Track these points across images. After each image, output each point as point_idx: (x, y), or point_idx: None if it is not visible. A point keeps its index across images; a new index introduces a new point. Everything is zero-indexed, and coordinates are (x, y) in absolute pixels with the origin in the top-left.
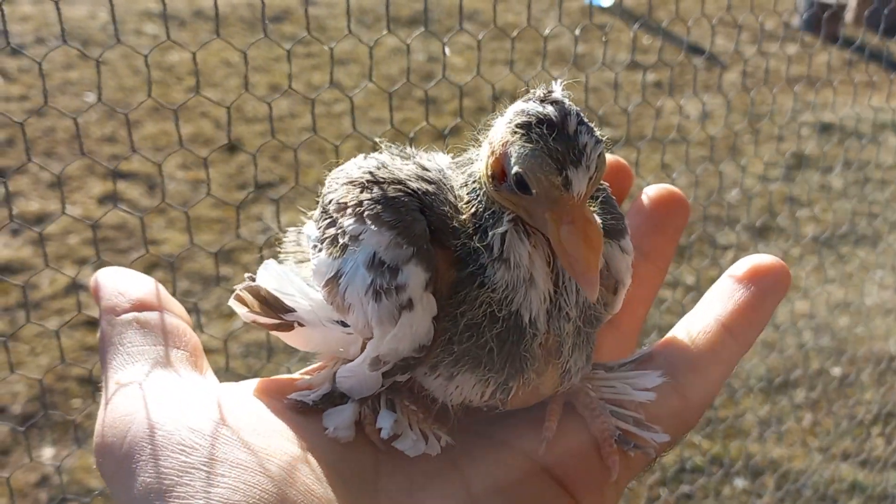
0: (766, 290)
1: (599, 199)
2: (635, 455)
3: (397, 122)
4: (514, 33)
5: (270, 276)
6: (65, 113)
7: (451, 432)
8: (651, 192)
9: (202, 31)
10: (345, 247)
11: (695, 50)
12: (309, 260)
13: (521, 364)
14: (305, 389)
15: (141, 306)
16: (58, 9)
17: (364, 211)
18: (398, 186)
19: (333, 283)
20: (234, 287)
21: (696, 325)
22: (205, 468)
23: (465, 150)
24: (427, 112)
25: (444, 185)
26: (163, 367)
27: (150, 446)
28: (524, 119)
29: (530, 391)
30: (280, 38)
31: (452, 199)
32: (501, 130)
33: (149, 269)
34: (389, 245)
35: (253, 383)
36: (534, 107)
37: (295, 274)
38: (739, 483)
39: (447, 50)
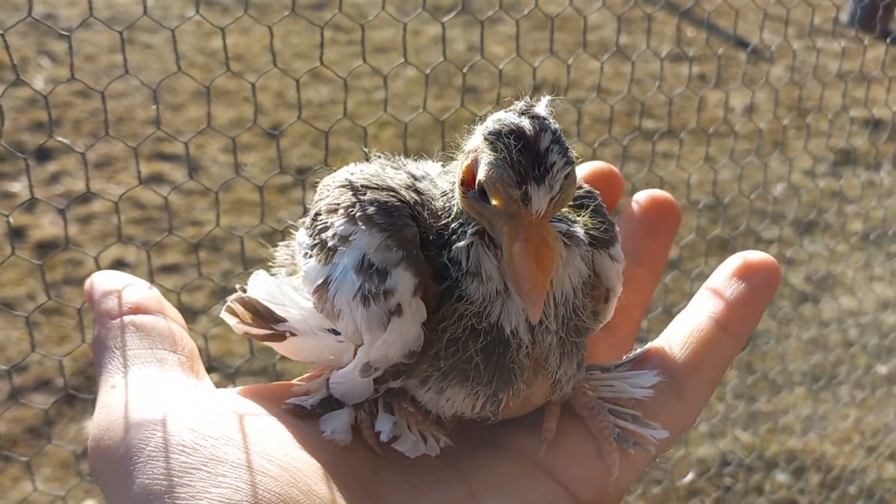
0: (758, 286)
1: (590, 208)
2: (636, 453)
3: (437, 111)
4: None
5: (261, 287)
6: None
7: (449, 435)
8: (641, 198)
9: (245, 17)
10: (334, 250)
11: (740, 43)
12: (299, 270)
13: (509, 376)
14: (303, 395)
15: (137, 310)
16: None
17: (356, 212)
18: (391, 192)
19: (323, 289)
20: (227, 298)
21: (690, 324)
22: (206, 469)
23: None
24: (463, 99)
25: (428, 194)
26: (160, 370)
27: (148, 447)
28: (496, 127)
29: (521, 402)
30: (321, 25)
31: (433, 209)
32: (476, 137)
33: (191, 249)
34: (379, 247)
35: (250, 388)
36: (509, 117)
37: (286, 284)
38: (781, 476)
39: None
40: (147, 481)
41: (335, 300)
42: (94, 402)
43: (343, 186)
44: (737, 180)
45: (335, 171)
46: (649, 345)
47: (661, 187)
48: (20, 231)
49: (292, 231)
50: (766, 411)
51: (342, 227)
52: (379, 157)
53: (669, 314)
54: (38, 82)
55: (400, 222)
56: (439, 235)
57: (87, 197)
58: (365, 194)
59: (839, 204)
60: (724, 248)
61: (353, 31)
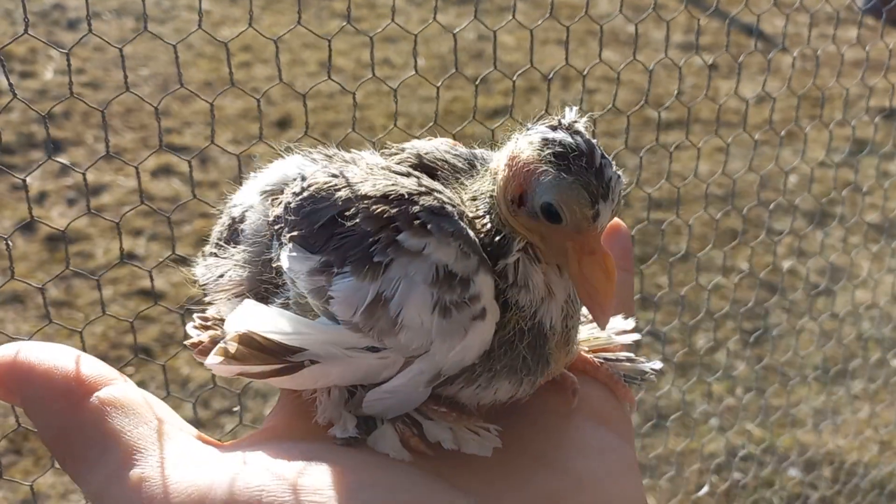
0: (625, 239)
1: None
2: (641, 385)
3: (447, 102)
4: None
5: (261, 318)
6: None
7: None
8: None
9: (254, 6)
10: (387, 262)
11: (754, 32)
12: (269, 283)
13: (548, 361)
14: (329, 427)
15: (97, 384)
16: None
17: (423, 223)
18: (439, 196)
19: (376, 306)
20: (193, 341)
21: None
22: None
23: (395, 151)
24: (476, 92)
25: (445, 194)
26: (174, 445)
27: None
28: (559, 149)
29: (547, 378)
30: (330, 16)
31: (466, 213)
32: (527, 154)
33: (201, 241)
34: (458, 257)
35: (257, 438)
36: (564, 137)
37: (283, 310)
38: (793, 472)
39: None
40: None
41: (400, 316)
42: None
43: (382, 197)
44: (749, 170)
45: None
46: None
47: (671, 178)
48: (30, 223)
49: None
50: (778, 404)
51: (410, 242)
52: (305, 151)
53: (679, 305)
54: (48, 74)
55: (461, 226)
56: (483, 240)
57: (96, 189)
58: (416, 203)
59: (853, 194)
60: (735, 239)
61: (363, 20)
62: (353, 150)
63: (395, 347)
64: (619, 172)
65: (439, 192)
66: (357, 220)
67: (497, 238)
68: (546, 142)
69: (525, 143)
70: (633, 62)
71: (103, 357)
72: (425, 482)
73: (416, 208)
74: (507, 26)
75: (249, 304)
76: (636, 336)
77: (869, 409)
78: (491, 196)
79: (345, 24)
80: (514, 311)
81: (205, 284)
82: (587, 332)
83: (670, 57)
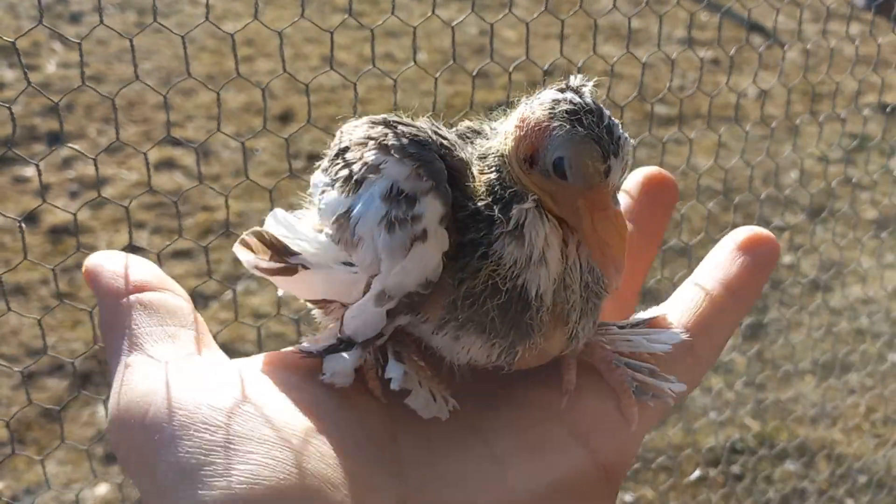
0: (762, 259)
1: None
2: (654, 405)
3: (448, 96)
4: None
5: (277, 222)
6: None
7: (457, 395)
8: (640, 174)
9: (256, 1)
10: (361, 181)
11: (754, 27)
12: (313, 208)
13: (527, 331)
14: (311, 342)
15: (142, 288)
16: None
17: (389, 143)
18: (422, 129)
19: (344, 218)
20: (242, 233)
21: (698, 288)
22: (231, 446)
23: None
24: (473, 86)
25: (458, 144)
26: (173, 346)
27: (171, 426)
28: (570, 107)
29: (538, 353)
30: (332, 10)
31: (467, 160)
32: (538, 114)
33: (204, 234)
34: (410, 175)
35: (260, 358)
36: (574, 97)
37: (300, 219)
38: (791, 466)
39: (418, 56)
40: (172, 460)
41: (356, 227)
42: (107, 385)
43: (374, 123)
44: (748, 167)
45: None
46: (659, 308)
47: (673, 173)
48: (33, 216)
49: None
50: (776, 400)
51: (373, 157)
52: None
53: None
54: (51, 67)
55: (430, 156)
56: (478, 190)
57: (99, 182)
58: (397, 128)
59: (852, 191)
60: None
61: (365, 15)
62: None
63: (357, 262)
64: (627, 135)
65: (443, 138)
66: (355, 141)
67: (508, 191)
68: (556, 102)
69: (536, 105)
70: (631, 57)
71: (103, 349)
72: (344, 438)
73: (389, 132)
74: (509, 21)
75: (278, 211)
76: (667, 347)
77: (867, 404)
78: (502, 155)
79: (346, 16)
80: (492, 263)
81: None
82: (621, 333)
83: (664, 51)
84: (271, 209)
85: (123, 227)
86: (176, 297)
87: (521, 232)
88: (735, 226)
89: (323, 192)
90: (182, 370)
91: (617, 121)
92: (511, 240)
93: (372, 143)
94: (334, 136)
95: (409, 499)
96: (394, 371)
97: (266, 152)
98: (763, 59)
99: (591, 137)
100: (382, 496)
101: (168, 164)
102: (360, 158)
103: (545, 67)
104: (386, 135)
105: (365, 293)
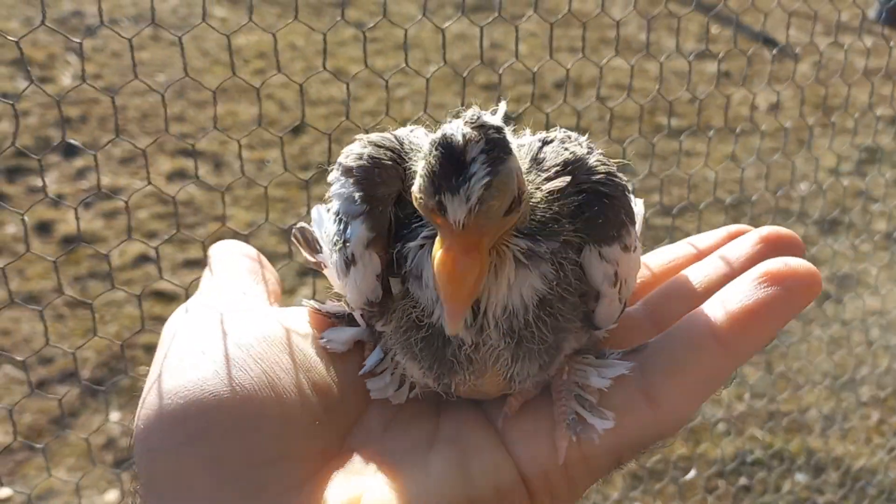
0: (789, 296)
1: (596, 204)
2: (592, 446)
3: (459, 108)
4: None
5: (313, 219)
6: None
7: (433, 397)
8: (765, 231)
9: (269, 14)
10: (332, 194)
11: (766, 40)
12: None
13: (451, 367)
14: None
15: (251, 257)
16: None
17: (344, 162)
18: (390, 151)
19: (319, 230)
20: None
21: (688, 327)
22: (189, 358)
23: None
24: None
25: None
26: (239, 282)
27: (166, 336)
28: (434, 137)
29: (472, 390)
30: (344, 24)
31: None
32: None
33: (215, 243)
34: (347, 198)
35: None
36: (450, 127)
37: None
38: (801, 478)
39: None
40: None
41: (323, 242)
42: (117, 393)
43: (358, 139)
44: (761, 178)
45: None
46: (654, 338)
47: (686, 185)
48: (46, 226)
49: None
50: (786, 410)
51: (334, 175)
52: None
53: None
54: (66, 79)
55: (377, 179)
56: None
57: (111, 192)
58: (366, 148)
59: (864, 202)
60: None
61: (376, 28)
62: None
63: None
64: (498, 171)
65: (397, 151)
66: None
67: (415, 222)
68: (438, 132)
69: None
70: (642, 69)
71: (117, 357)
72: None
73: (350, 150)
74: (520, 34)
75: (319, 206)
76: (606, 382)
77: (877, 415)
78: None
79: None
80: (409, 300)
81: None
82: (584, 363)
83: (676, 63)
84: (292, 221)
85: (136, 235)
86: (271, 272)
87: (416, 272)
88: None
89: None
90: (213, 307)
91: (487, 155)
92: (414, 279)
93: (342, 157)
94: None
95: (336, 452)
96: (371, 358)
97: (276, 164)
98: (775, 71)
99: (422, 173)
100: (319, 432)
101: (180, 175)
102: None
103: (570, 82)
104: (348, 155)
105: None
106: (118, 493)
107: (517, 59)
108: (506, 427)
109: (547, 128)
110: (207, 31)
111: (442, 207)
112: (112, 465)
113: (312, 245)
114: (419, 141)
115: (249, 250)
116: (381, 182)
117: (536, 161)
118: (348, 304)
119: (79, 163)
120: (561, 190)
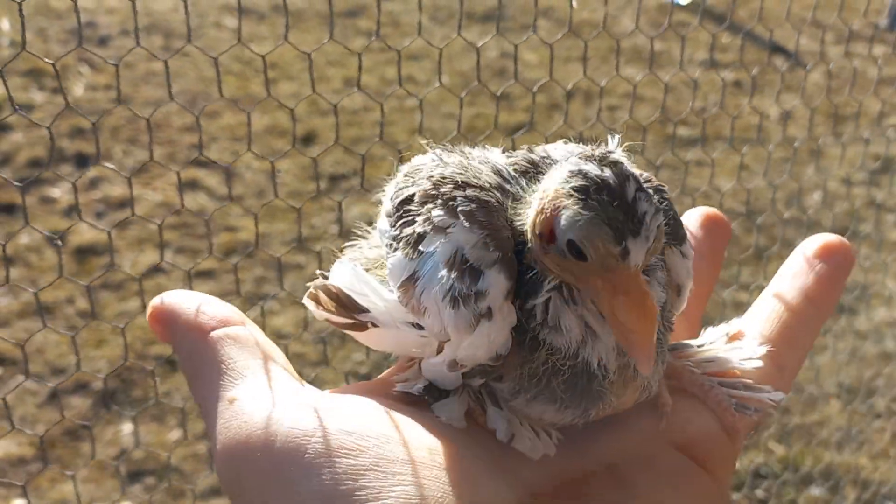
0: (837, 266)
1: (662, 208)
2: (758, 417)
3: (469, 118)
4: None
5: (344, 275)
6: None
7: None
8: (698, 213)
9: (280, 24)
10: (422, 238)
11: (777, 49)
12: (383, 257)
13: (597, 397)
14: (402, 382)
15: (226, 323)
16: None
17: (458, 206)
18: (492, 193)
19: (409, 284)
20: (308, 284)
21: (777, 300)
22: (378, 469)
23: (527, 148)
24: (498, 109)
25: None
26: (274, 378)
27: (307, 454)
28: (581, 182)
29: (612, 409)
30: (354, 34)
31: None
32: (555, 188)
33: (227, 254)
34: (477, 244)
35: (356, 387)
36: (592, 169)
37: (369, 273)
38: (816, 491)
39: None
40: (316, 488)
41: (422, 297)
42: (130, 404)
43: (441, 179)
44: (772, 189)
45: (414, 158)
46: (738, 321)
47: (694, 195)
48: (60, 235)
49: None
50: (801, 424)
51: (439, 218)
52: (437, 148)
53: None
54: (78, 90)
55: (499, 223)
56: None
57: (124, 202)
58: (465, 189)
59: (876, 213)
60: (759, 258)
61: (387, 38)
62: (487, 147)
63: (426, 328)
64: (659, 207)
65: (491, 191)
66: (417, 196)
67: (529, 275)
68: (572, 174)
69: (555, 177)
70: (653, 79)
71: (127, 368)
72: (475, 458)
73: (459, 193)
74: (530, 44)
75: (344, 261)
76: (758, 363)
77: (893, 430)
78: (528, 228)
79: (372, 39)
80: (545, 349)
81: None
82: (703, 353)
83: (686, 72)
84: (304, 231)
85: (148, 246)
86: (258, 330)
87: (556, 324)
88: (758, 248)
89: (390, 245)
90: (293, 400)
91: (647, 193)
92: (549, 331)
93: (440, 201)
94: (399, 169)
95: None
96: (496, 422)
97: (289, 174)
98: (785, 80)
99: (600, 219)
100: None
101: (192, 185)
102: (427, 217)
103: (580, 92)
104: (454, 196)
105: (438, 352)
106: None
107: (516, 75)
108: (669, 432)
109: (557, 138)
110: (218, 42)
111: (626, 253)
112: (126, 476)
113: (348, 304)
114: (475, 166)
115: (217, 315)
116: (502, 226)
117: None
118: (423, 373)
119: (91, 173)
120: None
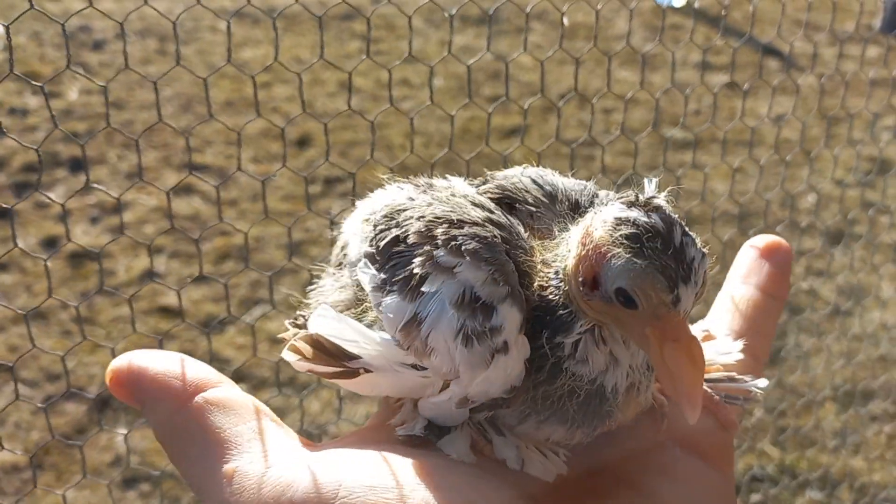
0: (782, 260)
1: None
2: (746, 406)
3: (465, 120)
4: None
5: (327, 323)
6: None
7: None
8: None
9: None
10: (423, 280)
11: (770, 51)
12: (360, 299)
13: (606, 415)
14: (401, 426)
15: (204, 386)
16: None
17: (461, 245)
18: (487, 228)
19: (412, 326)
20: (280, 335)
21: (735, 298)
22: None
23: (486, 178)
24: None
25: (514, 233)
26: (272, 443)
27: None
28: (631, 230)
29: (614, 426)
30: (350, 37)
31: (526, 255)
32: (600, 235)
33: (220, 259)
34: (486, 281)
35: (352, 439)
36: (639, 216)
37: (352, 318)
38: (813, 494)
39: (434, 82)
40: None
41: (429, 338)
42: (125, 410)
43: (435, 219)
44: (765, 191)
45: (374, 193)
46: (700, 324)
47: (692, 197)
48: (53, 241)
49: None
50: (797, 426)
51: (444, 259)
52: (398, 180)
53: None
54: (73, 94)
55: (503, 258)
56: (535, 296)
57: (118, 207)
58: (462, 227)
59: (872, 214)
60: None
61: (381, 41)
62: (448, 176)
63: (431, 369)
64: (704, 250)
65: (500, 228)
66: (412, 240)
67: (560, 312)
68: (619, 221)
69: (599, 223)
70: (649, 81)
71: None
72: (492, 486)
73: (458, 232)
74: (525, 46)
75: (325, 308)
76: (739, 355)
77: (889, 431)
78: (564, 269)
79: (364, 57)
80: (568, 376)
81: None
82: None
83: (679, 76)
84: (298, 236)
85: (142, 252)
86: (236, 387)
87: (583, 357)
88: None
89: (379, 288)
90: (301, 462)
91: (692, 237)
92: (575, 362)
93: (439, 241)
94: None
95: None
96: (505, 451)
97: (282, 177)
98: (779, 83)
99: (654, 268)
100: None
101: (186, 190)
102: (426, 258)
103: (575, 94)
104: (453, 236)
105: (441, 390)
106: None
107: (507, 75)
108: (670, 432)
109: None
110: (213, 45)
111: (677, 301)
112: (120, 482)
113: (335, 352)
114: (459, 203)
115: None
116: (505, 260)
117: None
118: (420, 411)
119: (84, 178)
120: None
